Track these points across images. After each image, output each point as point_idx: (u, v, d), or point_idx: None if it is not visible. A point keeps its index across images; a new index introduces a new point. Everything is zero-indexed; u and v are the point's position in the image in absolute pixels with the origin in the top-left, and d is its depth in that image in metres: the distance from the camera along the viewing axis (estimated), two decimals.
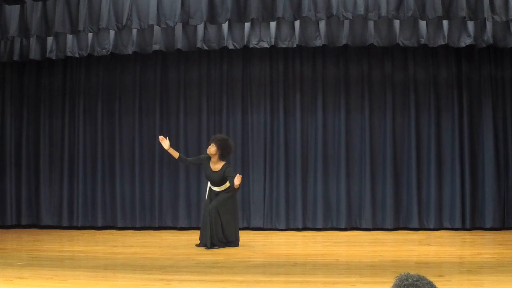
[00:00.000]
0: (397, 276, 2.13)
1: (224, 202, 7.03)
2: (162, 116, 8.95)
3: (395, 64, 8.63)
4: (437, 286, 2.11)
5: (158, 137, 7.34)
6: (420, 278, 2.08)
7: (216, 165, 7.10)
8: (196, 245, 7.16)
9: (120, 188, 8.92)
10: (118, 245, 7.64)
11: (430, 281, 2.08)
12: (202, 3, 7.16)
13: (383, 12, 7.00)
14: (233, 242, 7.09)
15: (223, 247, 6.98)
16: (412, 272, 2.14)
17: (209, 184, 7.24)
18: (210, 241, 6.93)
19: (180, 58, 8.92)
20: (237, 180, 6.71)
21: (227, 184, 7.06)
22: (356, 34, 7.93)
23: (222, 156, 7.10)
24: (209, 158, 7.15)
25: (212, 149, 7.07)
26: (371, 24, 7.82)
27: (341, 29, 7.93)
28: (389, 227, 8.37)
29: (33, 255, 6.69)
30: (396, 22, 7.74)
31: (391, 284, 2.14)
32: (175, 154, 7.23)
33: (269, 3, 7.11)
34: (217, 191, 7.12)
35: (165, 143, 7.15)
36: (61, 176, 9.07)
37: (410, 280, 2.08)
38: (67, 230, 8.80)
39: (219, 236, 6.97)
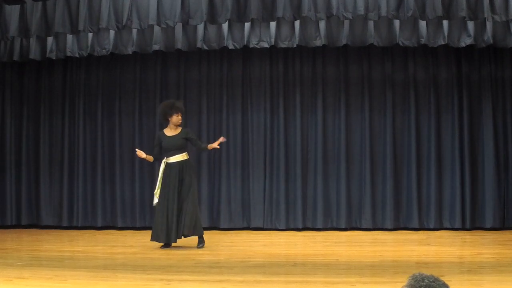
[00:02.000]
0: (410, 276, 2.08)
1: (193, 195, 6.94)
2: None
3: (395, 64, 8.63)
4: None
5: (137, 152, 7.20)
6: (436, 279, 2.04)
7: (173, 131, 7.06)
8: (162, 247, 6.97)
9: (120, 188, 8.92)
10: (118, 245, 7.64)
11: (444, 282, 2.05)
12: (202, 3, 7.17)
13: (383, 12, 7.00)
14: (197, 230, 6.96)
15: (191, 235, 6.96)
16: (427, 273, 2.10)
17: (163, 164, 6.99)
18: (180, 233, 6.87)
19: (180, 58, 8.92)
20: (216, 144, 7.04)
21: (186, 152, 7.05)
22: (356, 34, 7.93)
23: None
24: (161, 131, 7.16)
25: (179, 122, 7.08)
26: (371, 24, 7.82)
27: (341, 29, 7.93)
28: (389, 227, 8.37)
29: (33, 255, 6.70)
30: (396, 22, 7.74)
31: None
32: (150, 158, 7.17)
33: (269, 3, 7.11)
34: (176, 161, 6.93)
35: (141, 154, 7.11)
36: (61, 176, 9.07)
37: (426, 281, 2.04)
38: (67, 230, 8.80)
39: (188, 225, 6.85)
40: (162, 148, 7.06)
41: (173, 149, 6.99)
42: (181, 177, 6.93)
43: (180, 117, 7.08)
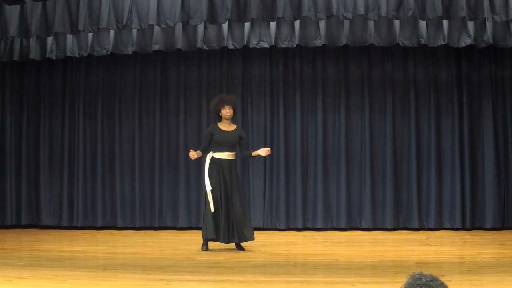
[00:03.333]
0: (410, 275, 2.12)
1: (242, 195, 6.88)
2: (162, 116, 8.96)
3: (395, 64, 8.63)
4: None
5: (190, 154, 6.76)
6: (434, 279, 2.07)
7: (227, 126, 6.81)
8: (203, 249, 6.77)
9: (120, 188, 8.92)
10: (118, 245, 7.64)
11: (443, 282, 2.07)
12: (202, 3, 7.17)
13: (383, 12, 7.00)
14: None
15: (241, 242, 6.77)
16: (425, 272, 2.13)
17: (210, 158, 6.73)
18: (231, 236, 6.66)
19: (180, 58, 8.92)
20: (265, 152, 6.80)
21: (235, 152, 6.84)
22: (356, 34, 7.93)
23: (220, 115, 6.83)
24: (214, 124, 6.87)
25: (228, 115, 6.77)
26: (371, 24, 7.81)
27: (341, 29, 7.93)
28: (389, 227, 8.37)
29: (33, 255, 6.69)
30: (396, 22, 7.74)
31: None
32: (200, 154, 6.82)
33: (269, 3, 7.11)
34: (227, 159, 6.69)
35: (194, 155, 6.72)
36: (61, 176, 9.07)
37: (424, 279, 2.07)
38: (67, 230, 8.80)
39: (240, 232, 6.68)
40: (212, 142, 6.77)
41: (227, 145, 6.71)
42: (229, 176, 6.67)
43: (228, 110, 6.72)
